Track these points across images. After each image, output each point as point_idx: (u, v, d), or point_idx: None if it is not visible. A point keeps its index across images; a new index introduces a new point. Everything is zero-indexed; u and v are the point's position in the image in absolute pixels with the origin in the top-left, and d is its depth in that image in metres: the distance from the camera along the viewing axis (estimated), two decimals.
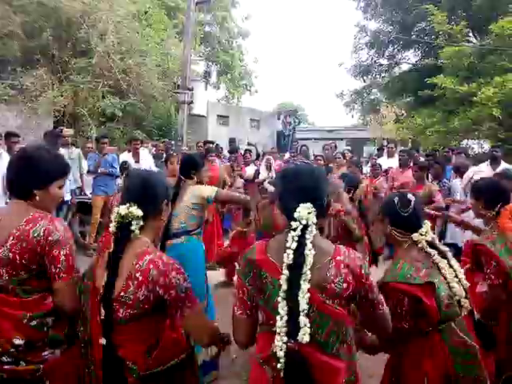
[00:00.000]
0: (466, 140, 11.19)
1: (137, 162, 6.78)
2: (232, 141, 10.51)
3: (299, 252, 1.37)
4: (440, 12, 11.80)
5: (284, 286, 1.35)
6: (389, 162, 7.10)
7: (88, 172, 6.59)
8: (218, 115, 14.20)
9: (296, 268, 1.35)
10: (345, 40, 59.10)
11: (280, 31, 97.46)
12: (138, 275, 1.47)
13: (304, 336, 1.31)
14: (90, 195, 6.55)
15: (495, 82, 9.53)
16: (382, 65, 16.92)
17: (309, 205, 1.41)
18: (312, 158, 8.15)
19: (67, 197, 6.02)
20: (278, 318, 1.35)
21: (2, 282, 1.60)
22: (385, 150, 8.58)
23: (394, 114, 17.47)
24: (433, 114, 11.87)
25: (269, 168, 7.18)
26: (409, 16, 14.19)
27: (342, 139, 17.36)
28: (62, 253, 1.63)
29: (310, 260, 1.36)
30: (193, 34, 10.47)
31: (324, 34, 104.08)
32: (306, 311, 1.33)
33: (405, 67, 16.94)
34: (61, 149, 6.07)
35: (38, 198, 1.70)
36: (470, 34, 13.77)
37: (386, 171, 6.92)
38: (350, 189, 3.82)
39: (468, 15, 13.19)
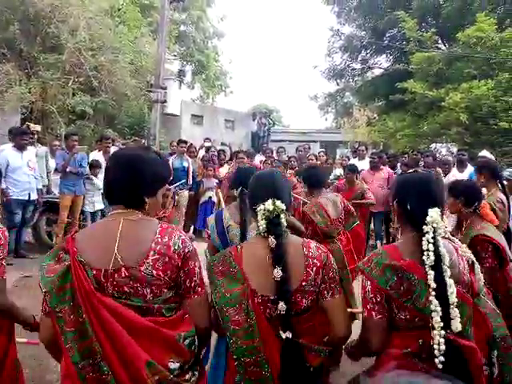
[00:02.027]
0: (434, 144, 11.52)
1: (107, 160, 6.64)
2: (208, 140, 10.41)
3: (435, 253, 1.51)
4: (411, 18, 12.13)
5: (433, 285, 1.48)
6: (360, 165, 7.22)
7: (56, 170, 6.40)
8: (192, 115, 14.06)
9: (437, 267, 1.50)
10: (319, 43, 59.79)
11: (255, 33, 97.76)
12: (315, 261, 1.57)
13: (458, 326, 1.47)
14: (58, 194, 6.36)
15: (462, 88, 9.86)
16: (354, 69, 17.22)
17: (437, 209, 1.55)
18: (286, 159, 8.21)
19: (34, 196, 5.83)
20: (433, 314, 1.47)
21: (144, 303, 1.40)
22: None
23: (367, 117, 17.82)
24: (403, 117, 12.18)
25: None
26: (381, 22, 14.51)
27: (316, 141, 17.50)
28: (196, 265, 1.49)
29: (447, 258, 1.51)
30: (167, 32, 10.35)
31: (299, 37, 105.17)
32: (455, 303, 1.47)
33: (377, 72, 17.32)
34: (28, 147, 5.88)
35: (147, 206, 1.52)
36: (440, 41, 14.22)
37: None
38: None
39: (437, 23, 13.62)
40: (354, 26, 16.72)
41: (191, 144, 8.33)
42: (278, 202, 1.58)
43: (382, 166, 7.06)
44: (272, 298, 1.52)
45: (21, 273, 5.16)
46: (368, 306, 1.58)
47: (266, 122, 15.54)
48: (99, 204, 6.51)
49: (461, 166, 6.36)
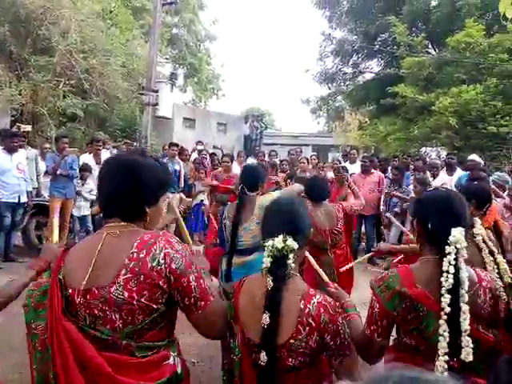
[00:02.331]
0: (424, 147, 11.65)
1: (98, 163, 6.61)
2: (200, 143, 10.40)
3: (455, 276, 1.39)
4: (401, 23, 12.27)
5: (447, 309, 1.38)
6: (351, 168, 7.25)
7: (46, 173, 6.35)
8: (184, 118, 14.06)
9: (454, 291, 1.39)
10: (311, 47, 60.13)
11: (248, 36, 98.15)
12: (310, 321, 1.36)
13: (467, 355, 1.33)
14: (48, 197, 6.31)
15: (452, 92, 9.99)
16: (346, 73, 17.36)
17: (461, 229, 1.44)
18: (278, 162, 8.24)
19: (23, 199, 5.78)
20: (440, 339, 1.37)
21: (111, 333, 1.23)
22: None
23: (358, 121, 17.95)
24: (394, 121, 12.31)
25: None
26: (372, 26, 14.66)
27: (308, 145, 17.58)
28: (191, 279, 1.30)
29: (466, 283, 1.40)
30: (159, 35, 10.36)
31: (291, 41, 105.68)
32: (468, 332, 1.35)
33: (368, 76, 17.46)
34: (19, 149, 5.83)
35: (148, 216, 1.37)
36: (430, 46, 14.39)
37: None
38: None
39: (427, 28, 13.80)
40: (345, 31, 16.87)
41: (182, 147, 8.32)
42: (290, 241, 1.39)
43: (373, 170, 7.10)
44: (256, 344, 1.37)
45: (10, 277, 5.07)
46: (372, 327, 1.51)
47: (258, 125, 15.60)
48: (86, 209, 6.46)
49: (450, 169, 6.43)
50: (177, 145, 7.84)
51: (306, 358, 1.38)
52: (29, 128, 7.43)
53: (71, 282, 1.28)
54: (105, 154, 7.05)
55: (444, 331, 1.38)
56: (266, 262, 1.41)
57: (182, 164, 7.51)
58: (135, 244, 1.26)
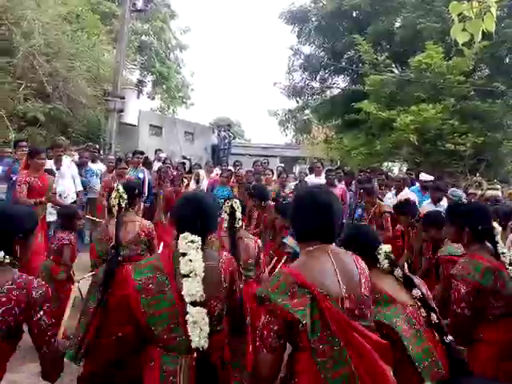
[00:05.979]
0: (387, 162, 12.01)
1: (58, 169, 6.40)
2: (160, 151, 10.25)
3: None
4: (366, 42, 12.68)
5: None
6: (316, 181, 7.37)
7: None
8: (150, 125, 13.83)
9: None
10: (280, 60, 61.12)
11: (218, 47, 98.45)
12: None
13: None
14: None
15: (412, 110, 10.37)
16: (313, 87, 17.69)
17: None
18: (243, 173, 8.26)
19: None
20: None
21: (369, 322, 1.63)
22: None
23: (325, 134, 18.31)
24: (358, 136, 12.62)
25: (197, 181, 7.16)
26: (339, 44, 15.06)
27: (275, 156, 17.73)
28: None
29: None
30: (127, 41, 10.22)
31: (261, 53, 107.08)
32: None
33: (335, 91, 17.87)
34: None
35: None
36: (393, 65, 14.93)
37: None
38: None
39: (391, 48, 14.34)
40: (313, 46, 17.20)
41: (147, 157, 8.16)
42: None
43: (336, 183, 7.24)
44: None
45: None
46: (462, 305, 2.13)
47: (226, 135, 15.58)
48: (51, 216, 6.18)
49: (410, 184, 6.68)
50: (142, 152, 7.69)
51: None
52: None
53: (330, 292, 1.55)
54: (66, 161, 6.83)
55: None
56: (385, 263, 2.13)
57: (146, 172, 7.38)
58: (353, 258, 1.71)
